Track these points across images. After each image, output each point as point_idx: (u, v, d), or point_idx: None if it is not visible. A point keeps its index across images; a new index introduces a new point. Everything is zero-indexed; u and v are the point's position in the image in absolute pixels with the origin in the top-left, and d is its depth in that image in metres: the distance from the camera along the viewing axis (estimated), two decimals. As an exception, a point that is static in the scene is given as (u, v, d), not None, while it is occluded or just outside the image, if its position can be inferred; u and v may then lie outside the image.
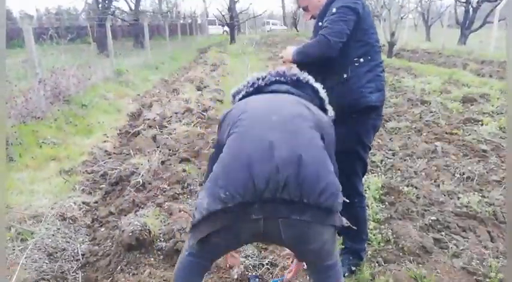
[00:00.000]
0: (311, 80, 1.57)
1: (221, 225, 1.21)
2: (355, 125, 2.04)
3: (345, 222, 1.32)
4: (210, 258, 1.42)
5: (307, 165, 1.20)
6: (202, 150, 4.17)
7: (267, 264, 2.19)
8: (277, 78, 1.53)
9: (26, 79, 5.99)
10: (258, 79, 1.54)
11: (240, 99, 1.52)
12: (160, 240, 2.45)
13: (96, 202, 3.29)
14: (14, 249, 2.41)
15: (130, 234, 2.32)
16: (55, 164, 3.99)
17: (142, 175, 3.40)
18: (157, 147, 4.33)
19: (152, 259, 2.32)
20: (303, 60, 2.02)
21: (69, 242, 2.69)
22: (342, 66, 1.97)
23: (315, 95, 1.56)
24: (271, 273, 2.15)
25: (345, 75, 1.98)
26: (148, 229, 2.40)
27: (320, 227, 1.25)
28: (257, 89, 1.52)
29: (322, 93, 1.58)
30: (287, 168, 1.18)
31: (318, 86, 1.59)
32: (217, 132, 1.51)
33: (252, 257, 2.28)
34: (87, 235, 2.83)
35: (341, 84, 1.99)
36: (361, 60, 1.98)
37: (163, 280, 2.11)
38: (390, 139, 4.45)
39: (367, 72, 2.00)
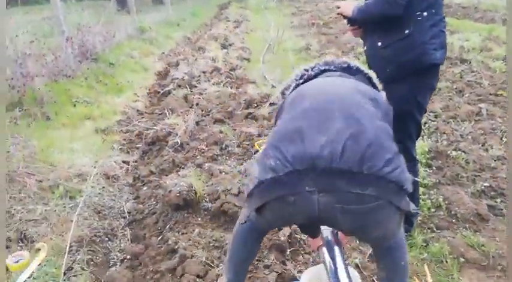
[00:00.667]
0: (361, 66, 1.45)
1: (274, 196, 1.10)
2: (413, 85, 1.91)
3: (412, 208, 1.12)
4: (267, 228, 1.38)
5: (368, 135, 1.06)
6: (236, 111, 4.10)
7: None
8: (327, 67, 1.41)
9: (53, 36, 5.91)
10: (307, 70, 1.43)
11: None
12: (206, 201, 2.46)
13: (135, 161, 3.32)
14: (64, 207, 2.47)
15: (177, 194, 2.33)
16: (90, 123, 4.01)
17: (180, 136, 3.38)
18: (190, 107, 4.28)
19: (200, 219, 2.34)
20: (363, 19, 1.88)
21: (114, 200, 2.75)
22: (403, 20, 1.81)
23: (368, 81, 1.44)
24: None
25: (407, 31, 1.82)
26: (194, 190, 2.41)
27: (383, 210, 1.07)
28: (307, 81, 1.41)
29: (375, 79, 1.46)
30: (344, 135, 1.04)
31: (371, 73, 1.45)
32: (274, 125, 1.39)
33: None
34: (130, 194, 2.89)
35: (402, 40, 1.84)
36: (425, 14, 1.81)
37: (213, 240, 2.13)
38: (431, 100, 4.25)
39: (431, 27, 1.83)
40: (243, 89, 4.89)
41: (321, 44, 7.73)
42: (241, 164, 2.98)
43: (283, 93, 1.49)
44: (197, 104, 4.30)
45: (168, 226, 2.31)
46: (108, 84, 5.18)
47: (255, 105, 4.25)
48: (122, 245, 2.36)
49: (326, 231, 1.48)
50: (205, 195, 2.49)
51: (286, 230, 2.07)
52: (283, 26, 10.27)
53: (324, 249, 1.41)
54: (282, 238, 2.02)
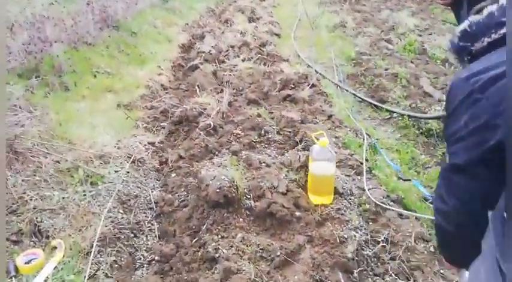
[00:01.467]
0: None
1: None
2: None
3: None
4: None
5: None
6: (271, 91, 3.69)
7: (382, 241, 1.82)
8: None
9: (74, 1, 5.50)
10: None
11: (491, 46, 0.81)
12: (248, 198, 2.11)
13: (161, 142, 2.96)
14: (85, 194, 2.15)
15: (218, 190, 1.98)
16: (112, 96, 3.66)
17: (212, 117, 3.00)
18: (220, 84, 3.89)
19: (241, 220, 1.99)
20: None
21: (140, 188, 2.42)
22: None
23: None
24: (388, 252, 1.78)
25: None
26: (236, 185, 2.05)
27: None
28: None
29: None
30: None
31: None
32: (452, 118, 0.83)
33: (360, 229, 1.90)
34: (157, 180, 2.56)
35: None
36: None
37: (260, 248, 1.79)
38: None
39: None
40: (276, 66, 4.45)
41: (356, 21, 7.14)
42: (283, 154, 2.60)
43: (471, 39, 0.85)
44: (228, 82, 3.89)
45: (204, 226, 1.97)
46: (130, 55, 4.79)
47: (292, 85, 3.82)
48: (149, 243, 2.04)
49: None
50: (246, 191, 2.13)
51: (352, 244, 1.71)
52: (314, 1, 9.63)
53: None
54: (349, 254, 1.66)
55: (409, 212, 1.97)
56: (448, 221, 0.87)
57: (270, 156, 2.59)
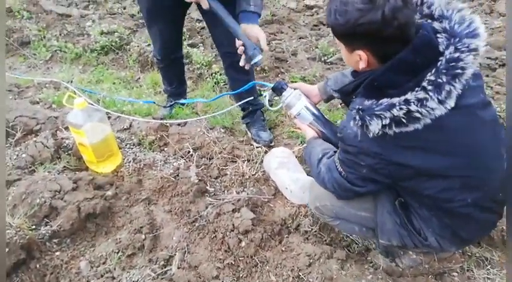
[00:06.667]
0: None
1: None
2: None
3: None
4: None
5: None
6: None
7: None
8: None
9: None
10: None
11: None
12: (39, 227, 1.52)
13: None
14: None
15: (6, 250, 1.30)
16: None
17: None
18: None
19: (59, 253, 1.47)
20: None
21: None
22: None
23: None
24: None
25: None
26: (19, 227, 1.40)
27: None
28: None
29: None
30: None
31: None
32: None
33: (162, 151, 1.88)
34: None
35: None
36: None
37: (119, 250, 1.47)
38: None
39: None
40: None
41: None
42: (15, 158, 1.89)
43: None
44: None
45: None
46: None
47: None
48: None
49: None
50: (30, 223, 1.51)
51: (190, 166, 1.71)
52: None
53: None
54: (193, 178, 1.67)
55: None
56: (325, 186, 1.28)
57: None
